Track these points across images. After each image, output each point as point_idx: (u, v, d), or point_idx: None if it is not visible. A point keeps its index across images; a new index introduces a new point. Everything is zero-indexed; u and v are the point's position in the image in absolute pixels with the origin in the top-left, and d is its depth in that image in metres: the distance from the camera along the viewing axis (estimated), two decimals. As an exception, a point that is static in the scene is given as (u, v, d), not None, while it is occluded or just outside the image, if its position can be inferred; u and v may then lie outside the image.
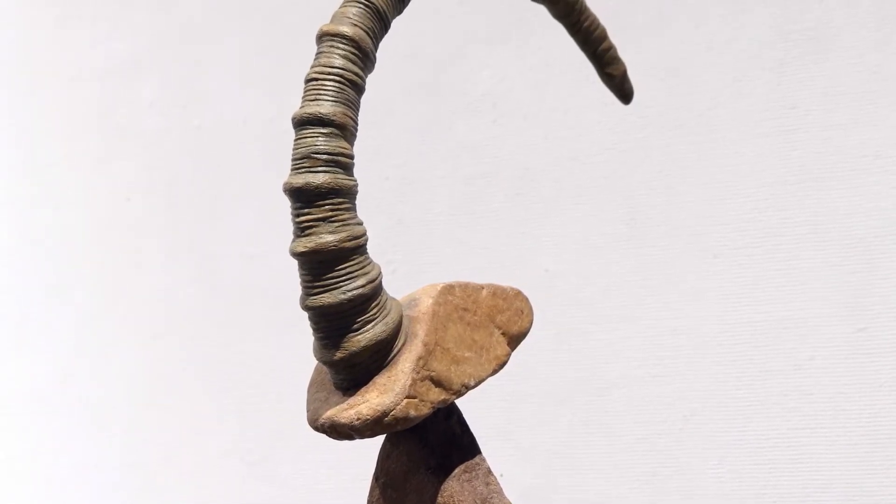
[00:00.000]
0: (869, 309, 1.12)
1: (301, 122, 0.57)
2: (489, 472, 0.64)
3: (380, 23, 0.60)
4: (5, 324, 1.44)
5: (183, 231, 1.37)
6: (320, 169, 0.57)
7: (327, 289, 0.57)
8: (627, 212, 1.20)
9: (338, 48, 0.58)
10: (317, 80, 0.58)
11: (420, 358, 0.59)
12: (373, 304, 0.58)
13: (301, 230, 0.57)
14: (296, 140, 0.58)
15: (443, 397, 0.60)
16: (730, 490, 1.16)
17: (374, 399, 0.58)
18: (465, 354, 0.61)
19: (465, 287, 0.62)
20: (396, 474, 0.63)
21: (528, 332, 0.65)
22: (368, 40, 0.59)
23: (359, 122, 0.59)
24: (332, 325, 0.58)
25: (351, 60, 0.58)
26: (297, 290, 0.59)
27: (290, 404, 1.16)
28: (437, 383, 0.60)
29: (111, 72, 1.41)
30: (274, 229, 1.28)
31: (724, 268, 1.17)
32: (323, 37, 0.59)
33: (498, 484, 0.64)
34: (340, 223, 0.57)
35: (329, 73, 0.58)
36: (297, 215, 0.57)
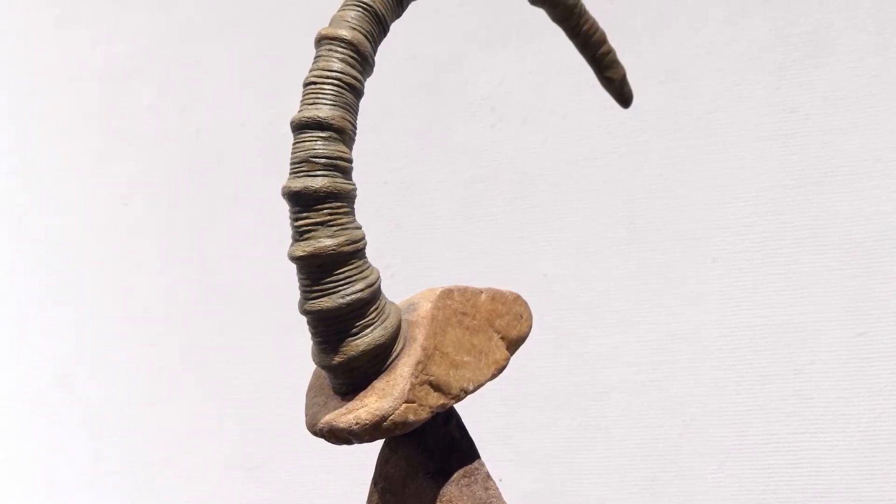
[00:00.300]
0: (869, 313, 1.12)
1: (299, 126, 0.57)
2: (488, 476, 0.64)
3: (378, 26, 0.60)
4: (5, 324, 1.44)
5: (182, 233, 1.37)
6: (319, 173, 0.57)
7: (326, 293, 0.57)
8: (627, 216, 1.20)
9: (336, 52, 0.58)
10: (315, 83, 0.58)
11: (419, 362, 0.59)
12: (371, 309, 0.58)
13: (299, 234, 0.57)
14: (294, 144, 0.58)
15: (442, 402, 0.60)
16: (729, 495, 1.16)
17: (372, 403, 0.58)
18: (464, 359, 0.61)
19: (464, 291, 0.62)
20: (395, 479, 0.62)
21: (528, 337, 0.65)
22: (367, 44, 0.59)
23: (357, 126, 0.59)
24: (330, 329, 0.58)
25: (349, 64, 0.58)
26: (295, 293, 0.58)
27: (289, 408, 1.16)
28: (436, 388, 0.60)
29: (110, 73, 1.41)
30: (272, 233, 1.28)
31: (724, 272, 1.17)
32: (321, 40, 0.59)
33: (497, 489, 0.64)
34: (339, 227, 0.57)
35: (327, 77, 0.58)
36: (296, 219, 0.57)
